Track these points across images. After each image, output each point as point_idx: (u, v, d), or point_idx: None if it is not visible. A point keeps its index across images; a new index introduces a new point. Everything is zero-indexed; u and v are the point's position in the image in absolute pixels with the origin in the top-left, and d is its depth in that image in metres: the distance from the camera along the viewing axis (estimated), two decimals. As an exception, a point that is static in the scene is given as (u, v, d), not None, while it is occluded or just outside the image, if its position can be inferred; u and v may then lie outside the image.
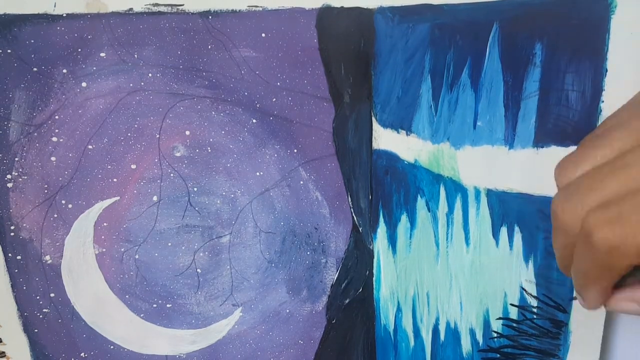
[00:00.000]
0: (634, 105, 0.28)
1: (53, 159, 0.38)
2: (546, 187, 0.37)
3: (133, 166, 0.38)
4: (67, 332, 0.42)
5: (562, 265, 0.29)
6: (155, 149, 0.38)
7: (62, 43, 0.36)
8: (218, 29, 0.35)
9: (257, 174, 0.39)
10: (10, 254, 0.40)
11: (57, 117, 0.37)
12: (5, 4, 0.35)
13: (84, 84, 0.37)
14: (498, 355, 0.41)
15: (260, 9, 0.35)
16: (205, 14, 0.35)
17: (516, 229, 0.38)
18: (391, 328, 0.41)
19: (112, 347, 0.42)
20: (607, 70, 0.35)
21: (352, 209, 0.39)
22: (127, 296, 0.41)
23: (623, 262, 0.24)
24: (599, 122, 0.35)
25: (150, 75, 0.36)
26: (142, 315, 0.41)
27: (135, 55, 0.36)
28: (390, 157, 0.38)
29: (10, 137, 0.38)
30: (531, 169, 0.37)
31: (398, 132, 0.37)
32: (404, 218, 0.39)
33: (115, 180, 0.39)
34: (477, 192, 0.38)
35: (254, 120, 0.37)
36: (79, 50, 0.36)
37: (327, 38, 0.35)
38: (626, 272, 0.25)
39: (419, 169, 0.38)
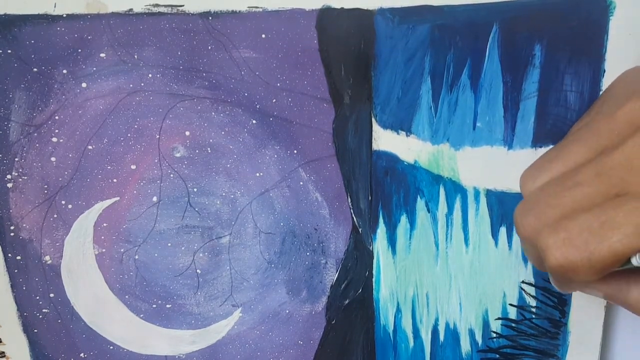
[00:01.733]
0: (596, 109, 0.28)
1: (53, 159, 0.38)
2: (545, 187, 0.37)
3: (133, 167, 0.38)
4: (67, 332, 0.42)
5: (535, 265, 0.30)
6: (155, 149, 0.38)
7: (62, 43, 0.36)
8: (218, 30, 0.35)
9: (257, 174, 0.39)
10: (9, 254, 0.40)
11: (57, 117, 0.37)
12: (5, 4, 0.35)
13: (84, 85, 0.37)
14: (497, 356, 0.41)
15: (260, 9, 0.35)
16: (205, 15, 0.35)
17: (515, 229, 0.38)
18: (391, 329, 0.41)
19: (111, 347, 0.42)
20: (605, 71, 0.35)
21: (351, 210, 0.39)
22: (126, 296, 0.41)
23: (577, 279, 0.24)
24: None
25: (150, 75, 0.36)
26: (141, 315, 0.41)
27: (135, 56, 0.36)
28: (390, 158, 0.38)
29: (10, 138, 0.38)
30: (530, 169, 0.37)
31: (398, 133, 0.37)
32: (403, 219, 0.39)
33: (115, 180, 0.39)
34: (477, 193, 0.38)
35: (254, 121, 0.37)
36: (79, 50, 0.36)
37: (327, 39, 0.35)
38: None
39: (419, 170, 0.38)
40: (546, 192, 0.26)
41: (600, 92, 0.35)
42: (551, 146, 0.36)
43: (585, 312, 0.39)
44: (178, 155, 0.38)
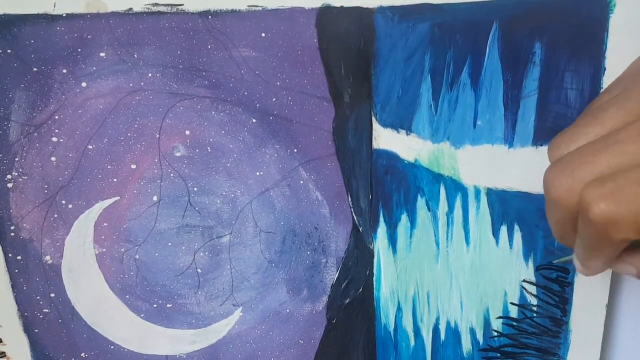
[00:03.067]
0: (626, 82, 0.28)
1: (53, 159, 0.38)
2: (546, 186, 0.37)
3: (133, 166, 0.38)
4: (68, 332, 0.42)
5: (558, 236, 0.29)
6: (155, 148, 0.38)
7: (61, 43, 0.36)
8: (218, 29, 0.35)
9: (257, 173, 0.39)
10: (10, 254, 0.40)
11: (57, 117, 0.37)
12: (5, 4, 0.35)
13: (83, 84, 0.37)
14: (498, 355, 0.41)
15: (260, 8, 0.35)
16: (205, 14, 0.35)
17: (516, 227, 0.38)
18: (391, 328, 0.41)
19: (112, 347, 0.42)
20: (605, 69, 0.35)
21: (352, 209, 0.39)
22: (127, 296, 0.41)
23: (620, 236, 0.24)
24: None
25: (150, 75, 0.36)
26: (142, 315, 0.41)
27: (135, 55, 0.36)
28: (390, 157, 0.38)
29: (10, 137, 0.38)
30: (531, 167, 0.37)
31: (398, 132, 0.37)
32: (404, 218, 0.39)
33: (115, 180, 0.39)
34: (477, 191, 0.38)
35: (254, 120, 0.37)
36: (79, 50, 0.36)
37: (327, 37, 0.35)
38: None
39: (419, 169, 0.38)
40: (583, 152, 0.25)
41: (601, 90, 0.35)
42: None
43: (586, 310, 0.39)
44: (178, 154, 0.38)
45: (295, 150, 0.38)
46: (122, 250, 0.40)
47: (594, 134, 0.26)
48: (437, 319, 0.41)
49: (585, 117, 0.27)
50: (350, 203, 0.39)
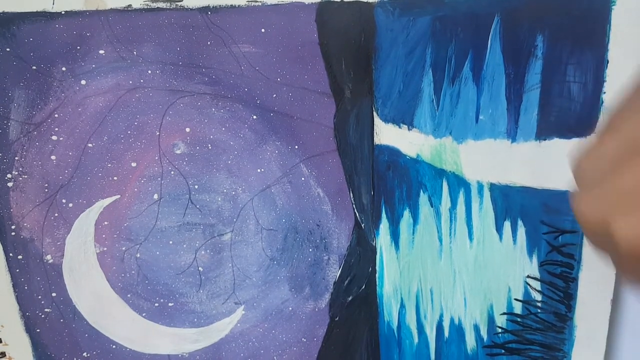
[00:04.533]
0: None
1: (53, 157, 0.38)
2: (549, 180, 0.36)
3: (133, 164, 0.38)
4: (69, 331, 0.41)
5: (604, 255, 0.28)
6: (155, 146, 0.38)
7: (60, 41, 0.36)
8: (217, 25, 0.35)
9: (258, 170, 0.38)
10: (11, 254, 0.40)
11: (56, 115, 0.37)
12: (4, 3, 0.35)
13: (83, 82, 0.37)
14: (503, 351, 0.41)
15: (260, 4, 0.35)
16: (204, 10, 0.35)
17: (519, 222, 0.38)
18: (395, 325, 0.41)
19: (114, 346, 0.42)
20: (608, 62, 0.34)
21: (354, 205, 0.39)
22: (128, 295, 0.41)
23: None
24: (601, 114, 0.35)
25: (149, 72, 0.36)
26: (144, 314, 0.41)
27: (135, 52, 0.36)
28: (392, 152, 0.38)
29: (10, 136, 0.37)
30: (534, 162, 0.36)
31: (400, 127, 0.37)
32: (406, 214, 0.39)
33: (115, 178, 0.38)
34: (480, 187, 0.38)
35: (255, 117, 0.37)
36: (78, 47, 0.36)
37: (327, 33, 0.35)
38: None
39: (421, 164, 0.38)
40: (612, 179, 0.24)
41: (604, 84, 0.35)
42: (555, 139, 0.36)
43: (591, 306, 0.39)
44: (178, 152, 0.38)
45: (296, 146, 0.38)
46: (123, 249, 0.40)
47: (616, 147, 0.25)
48: (441, 316, 0.41)
49: (606, 129, 0.26)
50: (352, 199, 0.39)
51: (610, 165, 0.25)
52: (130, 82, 0.36)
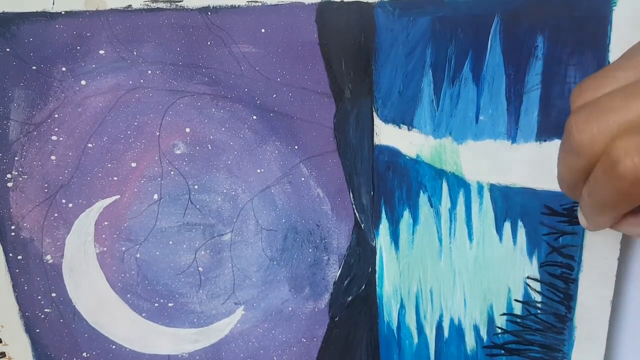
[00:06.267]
0: None
1: (53, 157, 0.38)
2: (550, 181, 0.36)
3: (133, 164, 0.38)
4: (69, 332, 0.42)
5: (566, 186, 0.27)
6: (155, 146, 0.38)
7: (60, 41, 0.36)
8: (217, 25, 0.35)
9: (258, 170, 0.38)
10: (11, 254, 0.40)
11: (56, 115, 0.37)
12: (4, 3, 0.35)
13: (83, 82, 0.37)
14: (502, 352, 0.41)
15: (260, 4, 0.35)
16: (204, 10, 0.35)
17: (520, 223, 0.38)
18: (394, 325, 0.41)
19: (114, 346, 0.42)
20: (609, 63, 0.34)
21: (354, 206, 0.39)
22: (128, 295, 0.41)
23: None
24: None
25: (149, 72, 0.36)
26: (144, 314, 0.41)
27: (135, 53, 0.36)
28: (392, 153, 0.37)
29: (10, 136, 0.37)
30: (534, 162, 0.36)
31: (400, 127, 0.37)
32: (406, 214, 0.39)
33: (115, 178, 0.38)
34: (480, 187, 0.38)
35: (255, 117, 0.37)
36: (78, 48, 0.36)
37: (327, 33, 0.35)
38: None
39: (421, 164, 0.38)
40: (613, 98, 0.23)
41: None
42: (556, 140, 0.36)
43: (591, 307, 0.39)
44: (178, 152, 0.38)
45: (296, 146, 0.38)
46: (123, 249, 0.40)
47: (625, 79, 0.23)
48: (441, 316, 0.41)
49: (616, 61, 0.25)
50: (352, 200, 0.39)
51: (621, 90, 0.23)
52: (130, 82, 0.36)
